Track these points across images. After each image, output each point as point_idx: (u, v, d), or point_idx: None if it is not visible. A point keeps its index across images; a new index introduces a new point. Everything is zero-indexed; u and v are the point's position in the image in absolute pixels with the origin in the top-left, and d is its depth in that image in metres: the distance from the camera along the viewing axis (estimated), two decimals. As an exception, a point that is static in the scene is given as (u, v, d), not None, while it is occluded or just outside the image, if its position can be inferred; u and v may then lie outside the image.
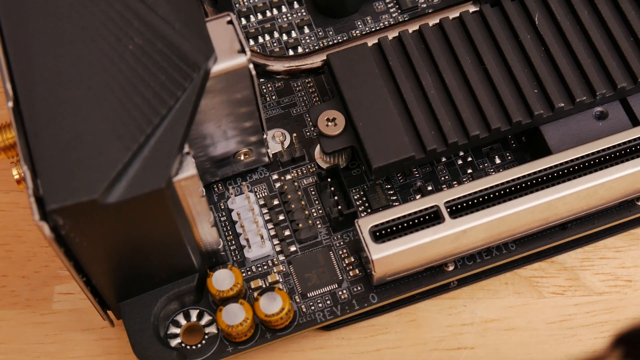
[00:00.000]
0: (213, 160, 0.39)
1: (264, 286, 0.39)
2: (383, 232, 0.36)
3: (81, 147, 0.31)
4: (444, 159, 0.41)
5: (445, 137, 0.38)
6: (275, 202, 0.40)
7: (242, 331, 0.37)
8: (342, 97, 0.39)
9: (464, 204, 0.37)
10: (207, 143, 0.38)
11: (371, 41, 0.40)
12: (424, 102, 0.39)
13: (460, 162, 0.41)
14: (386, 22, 0.45)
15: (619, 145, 0.37)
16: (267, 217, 0.40)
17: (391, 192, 0.40)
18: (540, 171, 0.37)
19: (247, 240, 0.39)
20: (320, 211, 0.40)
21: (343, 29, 0.45)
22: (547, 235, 0.39)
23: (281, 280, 0.39)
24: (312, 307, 0.38)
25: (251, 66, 0.34)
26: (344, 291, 0.38)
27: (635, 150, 0.38)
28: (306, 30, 0.45)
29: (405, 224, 0.36)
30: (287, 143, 0.42)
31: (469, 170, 0.41)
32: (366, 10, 0.45)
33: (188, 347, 0.37)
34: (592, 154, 0.37)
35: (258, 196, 0.40)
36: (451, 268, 0.38)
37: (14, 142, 0.34)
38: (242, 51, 0.34)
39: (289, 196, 0.40)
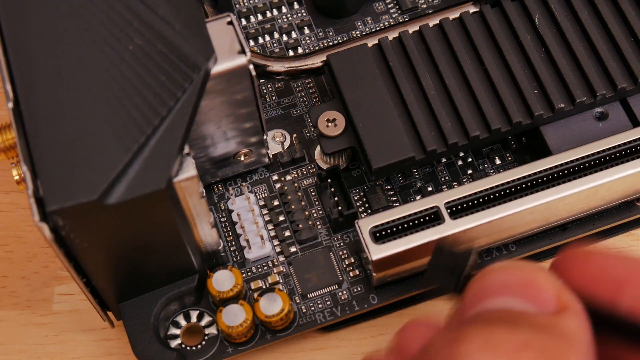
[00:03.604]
0: (213, 160, 0.39)
1: (264, 287, 0.38)
2: (383, 232, 0.36)
3: (81, 148, 0.31)
4: (444, 160, 0.41)
5: (446, 137, 0.38)
6: (276, 202, 0.40)
7: (242, 332, 0.37)
8: (342, 98, 0.39)
9: (464, 205, 0.37)
10: (207, 144, 0.37)
11: (371, 42, 0.40)
12: (424, 102, 0.39)
13: (460, 162, 0.41)
14: (386, 23, 0.44)
15: (619, 146, 0.37)
16: (267, 218, 0.40)
17: (391, 192, 0.40)
18: (540, 172, 0.37)
19: (247, 241, 0.39)
20: (321, 212, 0.40)
21: (343, 29, 0.45)
22: (548, 236, 0.39)
23: (281, 281, 0.39)
24: (312, 308, 0.38)
25: (251, 67, 0.34)
26: (344, 292, 0.38)
27: (636, 151, 0.37)
28: (306, 30, 0.45)
29: (406, 225, 0.36)
30: (287, 144, 0.42)
31: (469, 171, 0.41)
32: (366, 10, 0.45)
33: (188, 348, 0.37)
34: (592, 154, 0.37)
35: (258, 197, 0.40)
36: (451, 269, 0.38)
37: (14, 142, 0.34)
38: (242, 52, 0.34)
39: (289, 197, 0.40)
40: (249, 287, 0.38)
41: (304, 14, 0.45)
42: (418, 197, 0.40)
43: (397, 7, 0.45)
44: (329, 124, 0.39)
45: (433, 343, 0.24)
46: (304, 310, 0.38)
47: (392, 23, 0.44)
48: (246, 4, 0.45)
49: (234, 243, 0.39)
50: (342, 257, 0.39)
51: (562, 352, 0.23)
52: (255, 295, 0.37)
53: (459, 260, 0.30)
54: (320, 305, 0.38)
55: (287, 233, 0.39)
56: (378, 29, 0.44)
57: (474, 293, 0.25)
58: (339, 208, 0.39)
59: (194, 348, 0.37)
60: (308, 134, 0.42)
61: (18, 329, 0.40)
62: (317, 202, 0.40)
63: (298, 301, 0.38)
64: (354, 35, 0.44)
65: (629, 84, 0.39)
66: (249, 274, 0.39)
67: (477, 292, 0.25)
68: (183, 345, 0.37)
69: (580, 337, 0.24)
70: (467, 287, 0.26)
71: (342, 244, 0.39)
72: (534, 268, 0.25)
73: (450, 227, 0.36)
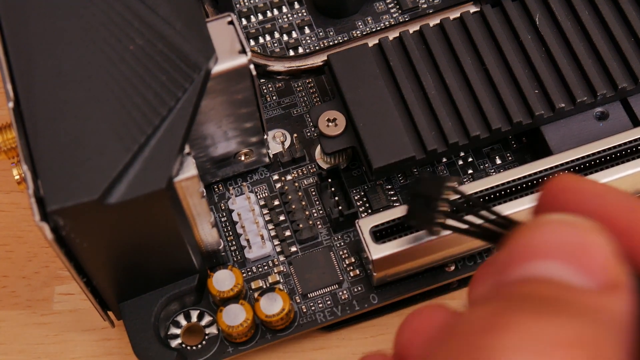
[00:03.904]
0: (213, 160, 0.39)
1: (264, 287, 0.39)
2: (383, 232, 0.36)
3: (82, 148, 0.31)
4: (444, 160, 0.41)
5: (446, 137, 0.38)
6: (276, 202, 0.40)
7: (242, 332, 0.37)
8: (342, 98, 0.39)
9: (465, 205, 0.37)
10: (207, 143, 0.37)
11: (372, 41, 0.40)
12: (425, 102, 0.39)
13: (460, 162, 0.41)
14: (387, 23, 0.44)
15: (619, 145, 0.37)
16: (267, 218, 0.40)
17: (392, 192, 0.40)
18: (540, 172, 0.37)
19: (248, 240, 0.39)
20: (321, 212, 0.40)
21: (344, 29, 0.45)
22: (548, 235, 0.39)
23: (281, 280, 0.39)
24: (313, 308, 0.38)
25: (252, 66, 0.34)
26: (345, 292, 0.38)
27: (636, 151, 0.37)
28: (307, 30, 0.45)
29: (406, 225, 0.36)
30: (287, 143, 0.42)
31: (470, 171, 0.41)
32: (367, 10, 0.45)
33: (188, 347, 0.37)
34: (593, 154, 0.37)
35: (258, 196, 0.40)
36: (452, 268, 0.38)
37: (14, 142, 0.34)
38: (243, 51, 0.34)
39: (290, 197, 0.40)
40: (249, 286, 0.38)
41: (305, 14, 0.45)
42: (418, 197, 0.40)
43: (398, 6, 0.45)
44: (330, 124, 0.39)
45: (469, 318, 0.21)
46: (305, 310, 0.38)
47: (393, 23, 0.44)
48: (246, 3, 0.45)
49: (234, 243, 0.39)
50: (343, 256, 0.39)
51: (607, 344, 0.20)
52: (256, 295, 0.37)
53: (433, 189, 0.32)
54: (320, 305, 0.38)
55: (288, 233, 0.39)
56: (378, 28, 0.44)
57: (521, 246, 0.22)
58: (340, 208, 0.39)
59: (194, 348, 0.37)
60: (308, 134, 0.42)
61: (18, 329, 0.40)
62: (317, 202, 0.40)
63: (298, 301, 0.38)
64: (355, 35, 0.44)
65: (629, 84, 0.39)
66: (250, 273, 0.39)
67: (525, 247, 0.22)
68: (183, 345, 0.37)
69: (624, 320, 0.21)
70: (515, 233, 0.22)
71: (342, 244, 0.39)
72: (592, 229, 0.22)
73: (450, 227, 0.36)
